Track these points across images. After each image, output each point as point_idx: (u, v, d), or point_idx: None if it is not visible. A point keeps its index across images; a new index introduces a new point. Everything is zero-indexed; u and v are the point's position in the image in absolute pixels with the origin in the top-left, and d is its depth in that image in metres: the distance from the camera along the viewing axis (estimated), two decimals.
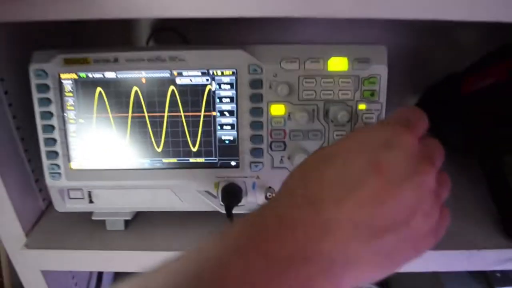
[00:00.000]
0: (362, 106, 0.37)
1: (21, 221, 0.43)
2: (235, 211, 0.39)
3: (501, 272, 0.47)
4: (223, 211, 0.40)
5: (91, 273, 0.58)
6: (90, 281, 0.57)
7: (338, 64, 0.37)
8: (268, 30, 0.54)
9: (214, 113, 0.38)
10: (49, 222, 0.46)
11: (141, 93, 0.38)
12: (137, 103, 0.38)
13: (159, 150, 0.39)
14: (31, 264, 0.44)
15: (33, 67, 0.37)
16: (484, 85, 0.46)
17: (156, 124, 0.38)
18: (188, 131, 0.38)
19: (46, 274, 0.46)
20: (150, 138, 0.39)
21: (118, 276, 0.63)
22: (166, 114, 0.38)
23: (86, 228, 0.45)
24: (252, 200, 0.40)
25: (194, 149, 0.39)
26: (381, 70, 0.37)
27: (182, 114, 0.38)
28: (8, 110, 0.41)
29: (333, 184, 0.22)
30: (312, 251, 0.21)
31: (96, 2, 0.29)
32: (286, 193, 0.25)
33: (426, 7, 0.30)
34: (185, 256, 0.23)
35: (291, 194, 0.24)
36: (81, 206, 0.42)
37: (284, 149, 0.38)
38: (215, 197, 0.40)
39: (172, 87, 0.37)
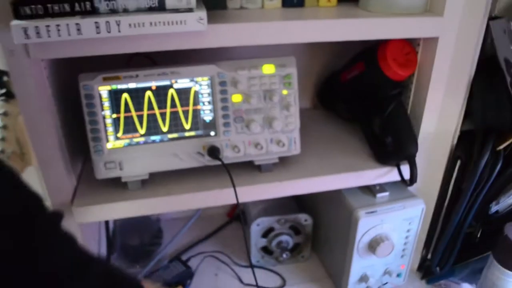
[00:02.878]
0: (285, 92, 0.64)
1: (67, 190, 0.63)
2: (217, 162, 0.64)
3: (379, 184, 0.76)
4: (210, 164, 0.64)
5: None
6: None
7: (269, 68, 0.63)
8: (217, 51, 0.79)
9: (198, 104, 0.63)
10: (83, 192, 0.67)
11: (152, 95, 0.61)
12: (149, 102, 0.61)
13: (165, 129, 0.62)
14: (77, 219, 0.64)
15: (82, 83, 0.58)
16: (353, 75, 0.75)
17: (163, 113, 0.62)
18: (184, 116, 0.62)
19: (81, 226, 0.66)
20: (159, 122, 0.62)
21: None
22: (168, 106, 0.62)
23: (111, 192, 0.66)
24: (225, 155, 0.65)
25: (187, 127, 0.63)
26: (293, 70, 0.64)
27: (178, 106, 0.62)
28: (58, 118, 0.62)
29: None
30: None
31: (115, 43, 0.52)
32: None
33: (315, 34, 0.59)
34: None
35: None
36: (114, 173, 0.63)
37: (243, 121, 0.64)
38: (203, 155, 0.64)
39: (171, 90, 0.61)
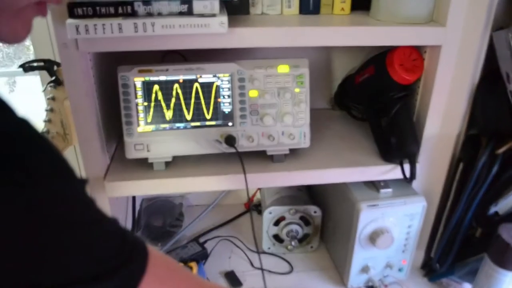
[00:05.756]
0: (297, 90, 0.72)
1: (101, 167, 0.73)
2: (233, 150, 0.72)
3: (383, 181, 0.82)
4: (226, 151, 0.72)
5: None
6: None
7: (283, 68, 0.71)
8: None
9: (219, 97, 0.71)
10: (114, 169, 0.76)
11: (179, 87, 0.69)
12: (176, 93, 0.70)
13: (189, 118, 0.71)
14: (108, 193, 0.73)
15: (120, 74, 0.68)
16: (364, 78, 0.81)
17: (188, 103, 0.70)
18: (206, 107, 0.71)
19: (110, 200, 0.75)
20: (184, 111, 0.70)
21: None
22: (193, 97, 0.70)
23: (139, 171, 0.75)
24: (241, 144, 0.73)
25: (208, 117, 0.71)
26: (305, 71, 0.71)
27: (202, 98, 0.70)
28: (97, 104, 0.71)
29: None
30: None
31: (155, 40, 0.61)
32: None
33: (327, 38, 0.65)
34: None
35: None
36: (142, 154, 0.72)
37: (257, 114, 0.72)
38: (221, 143, 0.72)
39: (196, 83, 0.70)
